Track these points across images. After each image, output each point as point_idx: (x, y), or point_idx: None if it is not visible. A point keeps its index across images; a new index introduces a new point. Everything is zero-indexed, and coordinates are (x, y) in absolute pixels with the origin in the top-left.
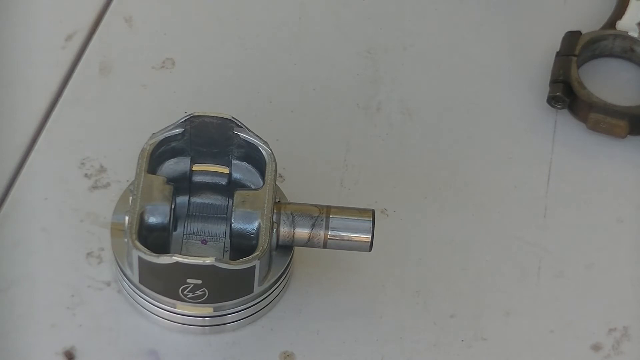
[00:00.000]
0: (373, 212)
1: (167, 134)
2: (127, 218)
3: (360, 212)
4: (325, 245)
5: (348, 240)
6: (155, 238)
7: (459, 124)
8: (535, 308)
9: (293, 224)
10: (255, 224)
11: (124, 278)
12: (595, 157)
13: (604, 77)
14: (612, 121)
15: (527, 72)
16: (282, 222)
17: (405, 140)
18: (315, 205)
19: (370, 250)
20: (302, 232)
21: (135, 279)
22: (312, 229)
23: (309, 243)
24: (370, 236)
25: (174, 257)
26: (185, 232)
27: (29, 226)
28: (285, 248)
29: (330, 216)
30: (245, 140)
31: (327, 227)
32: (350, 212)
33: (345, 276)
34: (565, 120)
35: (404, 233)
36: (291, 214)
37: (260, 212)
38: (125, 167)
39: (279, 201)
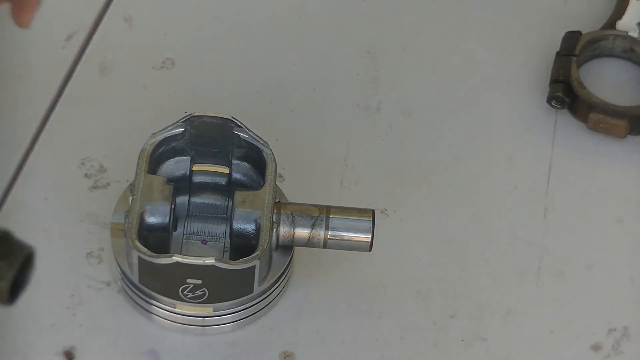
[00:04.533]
0: (373, 212)
1: (167, 134)
2: (127, 218)
3: (360, 212)
4: (325, 245)
5: (348, 240)
6: (155, 238)
7: (459, 124)
8: (535, 308)
9: (293, 224)
10: (255, 224)
11: (124, 278)
12: (595, 157)
13: (604, 77)
14: (612, 121)
15: (527, 72)
16: (282, 222)
17: (405, 140)
18: (315, 205)
19: (370, 250)
20: (302, 232)
21: (135, 279)
22: (312, 229)
23: (309, 243)
24: (370, 236)
25: (174, 257)
26: (185, 232)
27: (29, 226)
28: (285, 248)
29: (330, 216)
30: (245, 140)
31: (327, 227)
32: (350, 212)
33: (346, 276)
34: (565, 120)
35: (404, 233)
36: (291, 214)
37: (260, 212)
38: (125, 167)
39: (279, 201)
